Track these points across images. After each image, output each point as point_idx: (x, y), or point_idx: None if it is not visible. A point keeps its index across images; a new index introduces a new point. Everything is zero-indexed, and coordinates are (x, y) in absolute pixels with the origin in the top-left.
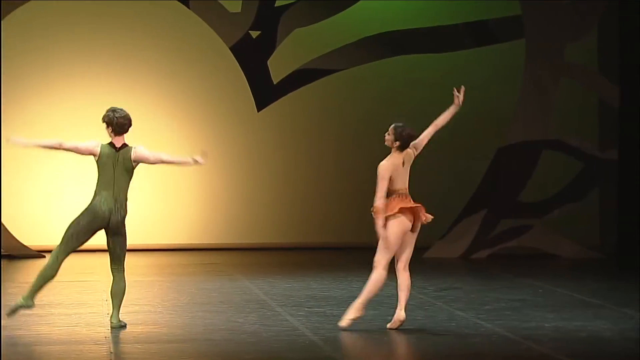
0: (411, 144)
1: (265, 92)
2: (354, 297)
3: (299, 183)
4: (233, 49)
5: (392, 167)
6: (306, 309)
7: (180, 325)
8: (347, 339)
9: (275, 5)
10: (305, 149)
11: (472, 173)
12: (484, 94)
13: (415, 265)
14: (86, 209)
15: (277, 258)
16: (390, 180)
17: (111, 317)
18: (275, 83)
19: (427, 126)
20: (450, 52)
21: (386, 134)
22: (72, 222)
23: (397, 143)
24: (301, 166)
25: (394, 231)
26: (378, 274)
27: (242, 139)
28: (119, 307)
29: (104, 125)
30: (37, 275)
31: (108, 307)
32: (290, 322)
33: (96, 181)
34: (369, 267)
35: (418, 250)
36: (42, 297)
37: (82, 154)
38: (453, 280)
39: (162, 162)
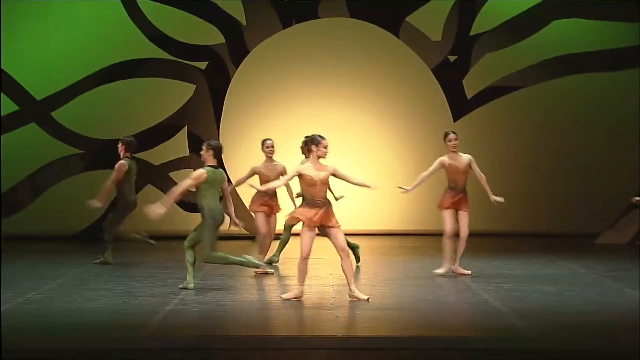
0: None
1: (460, 106)
2: (534, 275)
3: (490, 179)
4: (434, 71)
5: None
6: (495, 284)
7: (391, 295)
8: (530, 310)
9: (470, 34)
10: (493, 151)
11: None
12: None
13: (586, 251)
14: None
15: (469, 243)
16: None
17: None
18: (468, 98)
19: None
20: (621, 71)
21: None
22: None
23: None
24: (493, 165)
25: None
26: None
27: (440, 145)
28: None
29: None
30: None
31: (333, 279)
32: (482, 295)
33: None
34: (546, 252)
35: (589, 237)
36: (278, 268)
37: None
38: (622, 263)
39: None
